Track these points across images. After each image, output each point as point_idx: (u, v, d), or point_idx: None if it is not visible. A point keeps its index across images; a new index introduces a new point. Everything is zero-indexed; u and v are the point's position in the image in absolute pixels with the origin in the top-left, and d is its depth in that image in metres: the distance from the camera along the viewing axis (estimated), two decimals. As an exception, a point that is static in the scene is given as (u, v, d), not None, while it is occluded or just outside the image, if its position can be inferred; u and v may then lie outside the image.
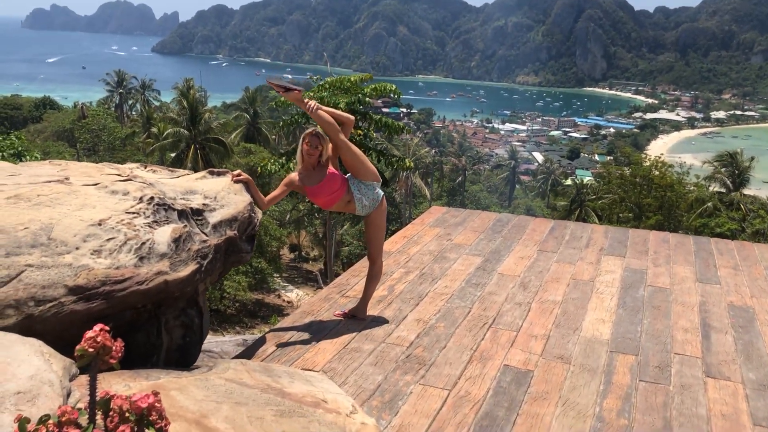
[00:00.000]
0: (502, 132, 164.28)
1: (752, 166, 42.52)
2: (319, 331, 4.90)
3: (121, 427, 2.08)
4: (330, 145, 4.75)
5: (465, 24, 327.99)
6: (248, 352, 4.61)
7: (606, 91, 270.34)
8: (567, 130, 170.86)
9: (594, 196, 45.90)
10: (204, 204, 4.27)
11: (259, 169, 11.50)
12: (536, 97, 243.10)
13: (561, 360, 4.56)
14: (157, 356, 4.11)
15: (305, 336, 4.82)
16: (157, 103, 73.15)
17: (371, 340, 4.78)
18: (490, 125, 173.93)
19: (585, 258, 6.58)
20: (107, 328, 2.21)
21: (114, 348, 2.19)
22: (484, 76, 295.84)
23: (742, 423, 3.88)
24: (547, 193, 69.15)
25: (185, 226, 3.93)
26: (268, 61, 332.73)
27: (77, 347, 2.17)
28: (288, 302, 39.35)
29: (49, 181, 4.07)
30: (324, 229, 37.07)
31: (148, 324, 3.93)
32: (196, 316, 4.50)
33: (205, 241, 4.03)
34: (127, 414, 2.12)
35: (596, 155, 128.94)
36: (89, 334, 2.18)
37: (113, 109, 67.66)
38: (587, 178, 61.97)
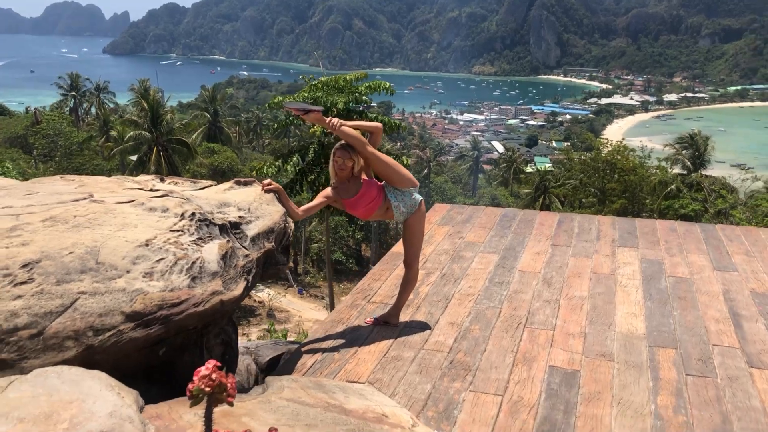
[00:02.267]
0: (461, 122, 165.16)
1: (711, 146, 43.46)
2: (354, 340, 4.79)
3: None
4: (360, 160, 4.64)
5: (420, 15, 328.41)
6: (288, 367, 4.48)
7: (561, 78, 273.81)
8: (524, 118, 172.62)
9: (557, 183, 46.41)
10: (240, 216, 4.11)
11: (254, 173, 11.35)
12: (493, 87, 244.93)
13: (604, 358, 4.53)
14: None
15: (341, 346, 4.70)
16: (112, 106, 71.60)
17: (409, 347, 4.68)
18: (449, 116, 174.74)
19: (600, 251, 6.58)
20: (219, 363, 2.07)
21: (229, 385, 2.06)
22: (440, 67, 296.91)
23: (797, 413, 3.89)
24: (510, 181, 69.71)
25: (228, 241, 3.78)
26: (223, 58, 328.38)
27: (191, 387, 2.03)
28: (259, 302, 38.98)
29: (78, 200, 3.87)
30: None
31: (193, 345, 3.77)
32: (233, 332, 4.35)
33: (247, 256, 3.88)
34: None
35: (554, 142, 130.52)
36: (203, 372, 2.04)
37: (68, 113, 65.95)
38: (546, 165, 62.68)
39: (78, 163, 46.83)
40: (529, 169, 65.95)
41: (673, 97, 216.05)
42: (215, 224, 3.80)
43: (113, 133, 49.40)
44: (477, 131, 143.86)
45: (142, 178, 4.73)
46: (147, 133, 40.47)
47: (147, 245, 3.38)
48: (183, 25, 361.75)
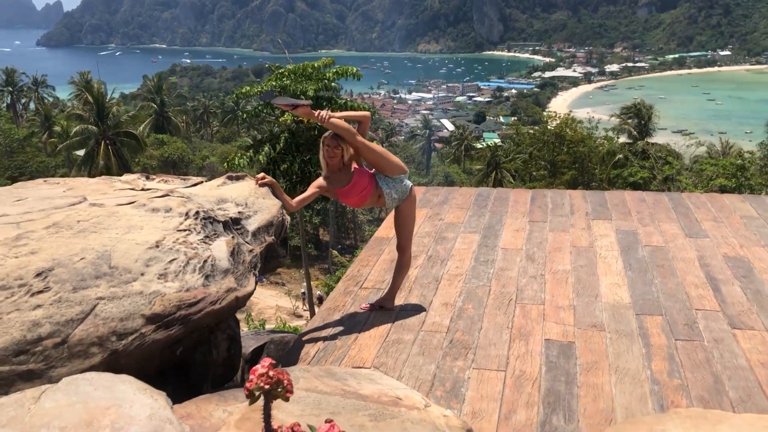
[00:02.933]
0: (410, 102, 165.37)
1: (656, 114, 44.50)
2: (352, 326, 4.86)
3: (314, 460, 2.03)
4: (350, 148, 4.69)
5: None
6: (292, 357, 4.53)
7: (505, 53, 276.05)
8: (471, 95, 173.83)
9: (507, 158, 47.02)
10: (239, 212, 4.13)
11: (226, 164, 11.20)
12: (439, 65, 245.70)
13: (596, 328, 4.71)
14: (213, 373, 3.99)
15: (341, 333, 4.77)
16: (52, 100, 69.46)
17: (408, 329, 4.78)
18: (398, 96, 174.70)
19: (576, 225, 6.77)
20: (273, 361, 2.12)
21: (286, 381, 2.11)
22: (386, 46, 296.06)
23: (782, 368, 4.14)
24: (462, 158, 70.30)
25: (233, 237, 3.80)
26: (164, 46, 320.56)
27: (250, 386, 2.08)
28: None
29: (74, 204, 3.84)
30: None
31: (204, 342, 3.80)
32: (236, 326, 4.38)
33: (251, 251, 3.91)
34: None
35: (501, 117, 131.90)
36: (260, 370, 2.09)
37: (5, 109, 63.65)
38: (495, 140, 63.36)
39: (21, 161, 45.36)
40: (479, 146, 66.63)
41: (614, 67, 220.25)
42: (219, 221, 3.82)
43: (57, 128, 47.99)
44: (426, 110, 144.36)
45: (129, 177, 4.69)
46: (93, 127, 39.41)
47: (157, 246, 3.38)
48: (120, 13, 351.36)
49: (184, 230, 3.55)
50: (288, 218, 4.51)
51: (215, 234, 3.70)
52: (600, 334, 4.63)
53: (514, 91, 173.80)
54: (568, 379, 4.11)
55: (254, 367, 2.13)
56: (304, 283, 36.12)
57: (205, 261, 3.42)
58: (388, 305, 5.07)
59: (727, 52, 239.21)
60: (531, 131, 45.78)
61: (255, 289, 3.64)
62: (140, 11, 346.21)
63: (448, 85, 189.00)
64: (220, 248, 3.58)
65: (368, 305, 5.12)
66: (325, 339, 4.71)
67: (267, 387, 2.07)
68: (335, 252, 42.15)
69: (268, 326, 18.93)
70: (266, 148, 9.74)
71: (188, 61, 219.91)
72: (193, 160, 51.75)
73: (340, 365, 4.35)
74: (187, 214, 3.69)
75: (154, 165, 47.13)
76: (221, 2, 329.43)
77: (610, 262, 5.84)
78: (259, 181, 4.50)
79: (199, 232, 3.60)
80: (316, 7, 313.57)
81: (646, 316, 4.86)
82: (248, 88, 10.48)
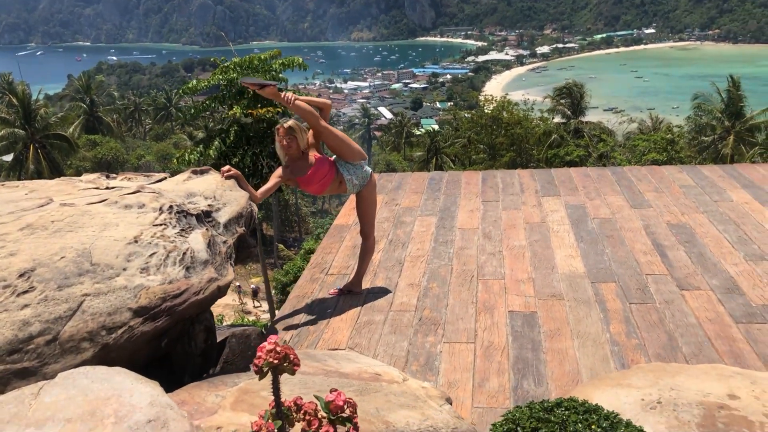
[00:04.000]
0: (346, 91, 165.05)
1: (588, 94, 45.65)
2: (322, 311, 4.99)
3: (325, 427, 2.16)
4: (309, 132, 4.78)
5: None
6: (267, 344, 4.62)
7: (438, 39, 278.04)
8: (407, 81, 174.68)
9: (447, 143, 47.59)
10: (209, 205, 4.18)
11: (175, 161, 11.06)
12: (373, 53, 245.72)
13: (555, 298, 4.97)
14: (192, 364, 4.06)
15: (312, 318, 4.89)
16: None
17: (378, 310, 4.93)
18: (333, 85, 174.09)
19: (527, 202, 7.04)
20: (278, 337, 2.24)
21: (292, 355, 2.23)
22: (318, 36, 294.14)
23: (727, 323, 4.47)
24: (402, 145, 70.68)
25: (207, 229, 3.87)
26: (89, 44, 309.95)
27: (259, 362, 2.20)
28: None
29: (43, 205, 3.84)
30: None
31: (185, 334, 3.87)
32: (211, 317, 4.45)
33: (225, 242, 3.98)
34: (320, 415, 2.20)
35: (438, 103, 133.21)
36: (267, 347, 2.21)
37: None
38: (433, 126, 63.92)
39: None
40: (418, 132, 67.13)
41: (545, 49, 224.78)
42: (191, 214, 3.88)
43: (-20, 133, 46.07)
44: (362, 98, 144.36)
45: (90, 177, 4.68)
46: (20, 131, 38.04)
47: (136, 242, 3.43)
48: (38, 11, 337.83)
49: (160, 225, 3.61)
50: (255, 209, 4.59)
51: (190, 227, 3.76)
52: (560, 303, 4.88)
53: (449, 76, 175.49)
54: (534, 347, 4.34)
55: (261, 345, 2.25)
56: (252, 279, 35.79)
57: (185, 253, 3.49)
58: (356, 289, 5.21)
59: (652, 30, 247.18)
60: (468, 115, 46.43)
61: (234, 278, 3.73)
62: (60, 8, 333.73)
63: (384, 72, 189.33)
64: (197, 240, 3.65)
65: (336, 290, 5.25)
66: (297, 325, 4.82)
67: (276, 362, 2.19)
68: (281, 246, 41.95)
69: (225, 323, 18.81)
70: (216, 142, 9.72)
71: (115, 58, 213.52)
72: (128, 159, 50.54)
73: (315, 348, 4.47)
74: (161, 208, 3.74)
75: (88, 167, 45.87)
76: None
77: (563, 236, 6.12)
78: (225, 174, 4.56)
79: (175, 226, 3.66)
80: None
81: (601, 284, 5.15)
82: (194, 83, 10.39)
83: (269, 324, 12.96)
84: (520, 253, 5.78)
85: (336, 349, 4.41)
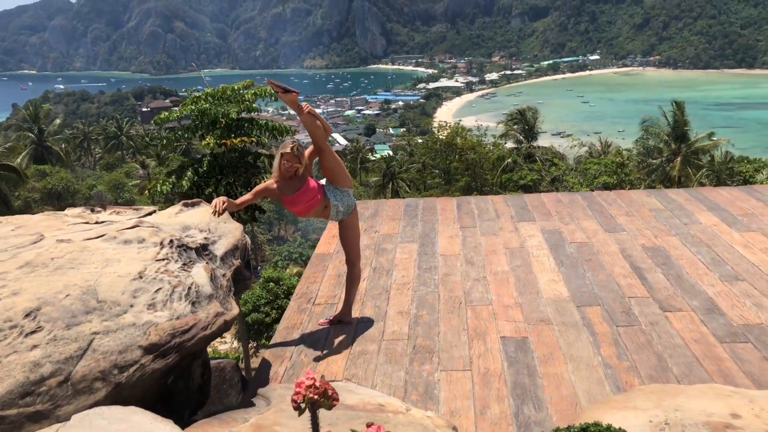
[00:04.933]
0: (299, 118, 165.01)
1: (540, 119, 46.65)
2: (315, 342, 4.96)
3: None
4: (306, 160, 4.78)
5: (244, 13, 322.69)
6: (262, 378, 4.57)
7: (389, 66, 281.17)
8: (360, 108, 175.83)
9: (402, 168, 47.95)
10: (205, 238, 4.16)
11: (147, 192, 10.82)
12: (326, 80, 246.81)
13: (543, 322, 5.05)
14: (190, 399, 3.99)
15: (305, 350, 4.86)
16: None
17: (370, 340, 4.94)
18: (286, 112, 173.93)
19: (504, 228, 7.16)
20: (315, 373, 2.24)
21: (330, 391, 2.24)
22: (271, 64, 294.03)
23: (712, 343, 4.62)
24: (358, 171, 70.87)
25: (207, 263, 3.84)
26: (35, 72, 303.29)
27: (297, 398, 2.19)
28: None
29: (36, 242, 3.76)
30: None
31: (186, 369, 3.81)
32: (206, 352, 4.39)
33: (224, 275, 3.96)
34: (361, 450, 2.21)
35: (391, 129, 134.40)
36: (306, 382, 2.21)
37: None
38: (387, 152, 64.36)
39: None
40: (373, 158, 67.49)
41: (494, 76, 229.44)
42: (191, 248, 3.85)
43: (-77, 165, 44.48)
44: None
45: (75, 211, 4.60)
46: (-34, 163, 36.88)
47: (141, 277, 3.39)
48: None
49: (163, 259, 3.57)
50: (249, 240, 4.57)
51: (191, 261, 3.73)
52: (549, 328, 4.97)
53: (401, 102, 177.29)
54: (529, 372, 4.40)
55: (299, 380, 2.25)
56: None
57: (189, 288, 3.46)
58: (346, 319, 5.20)
59: (596, 57, 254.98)
60: (420, 140, 46.92)
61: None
62: (4, 36, 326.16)
63: (337, 99, 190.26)
64: (199, 274, 3.62)
65: (326, 320, 5.24)
66: (290, 357, 4.78)
67: (316, 397, 2.19)
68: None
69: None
70: (189, 173, 9.61)
71: (62, 87, 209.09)
72: (79, 189, 49.40)
73: (311, 380, 4.44)
74: (161, 243, 3.70)
75: (37, 198, 44.72)
76: (94, 25, 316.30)
77: (543, 260, 6.23)
78: (215, 209, 4.51)
79: (177, 261, 3.63)
80: (196, 26, 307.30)
81: (586, 307, 5.26)
82: (166, 114, 10.29)
83: (241, 357, 12.71)
84: (504, 279, 5.87)
85: (333, 381, 4.38)
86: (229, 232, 4.33)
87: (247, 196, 4.89)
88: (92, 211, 4.67)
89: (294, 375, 4.54)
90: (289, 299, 13.78)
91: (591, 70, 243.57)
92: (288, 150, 4.64)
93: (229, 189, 9.77)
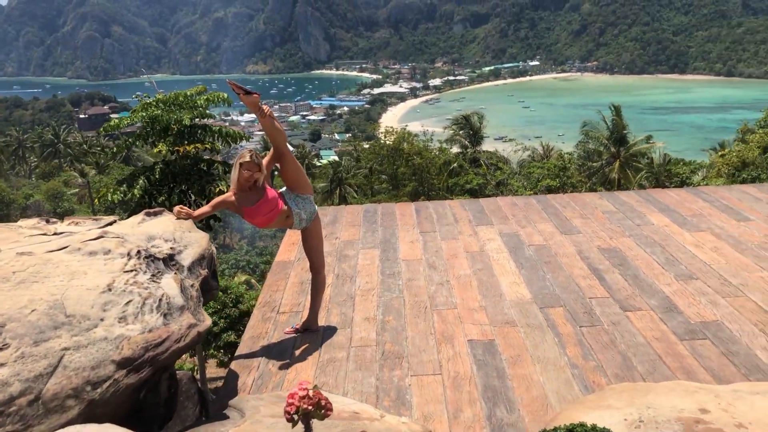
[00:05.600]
0: (243, 123, 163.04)
1: (484, 124, 47.29)
2: (281, 351, 4.90)
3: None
4: (264, 160, 4.71)
5: (184, 18, 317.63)
6: (229, 388, 4.49)
7: (334, 72, 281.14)
8: (305, 113, 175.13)
9: (349, 174, 47.96)
10: (171, 248, 4.06)
11: (97, 201, 10.45)
12: (269, 85, 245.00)
13: (509, 325, 5.11)
14: (158, 414, 3.89)
15: (273, 360, 4.79)
16: None
17: (338, 347, 4.90)
18: (230, 118, 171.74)
19: (463, 232, 7.22)
20: (309, 383, 2.21)
21: (323, 401, 2.21)
22: (212, 69, 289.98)
23: (673, 341, 4.75)
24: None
25: (176, 273, 3.75)
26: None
27: (291, 409, 2.16)
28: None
29: (-6, 255, 3.60)
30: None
31: (156, 383, 3.71)
32: (173, 366, 4.29)
33: (192, 285, 3.87)
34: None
35: (336, 134, 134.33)
36: (299, 393, 2.18)
37: None
38: (332, 158, 64.34)
39: None
40: (319, 164, 67.25)
41: (437, 81, 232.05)
42: (158, 258, 3.75)
43: None
44: (260, 131, 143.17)
45: (32, 222, 4.43)
46: None
47: (110, 290, 3.28)
48: None
49: (131, 270, 3.47)
50: (214, 249, 4.48)
51: (159, 272, 3.64)
52: (515, 330, 5.03)
53: (346, 108, 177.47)
54: (499, 374, 4.44)
55: (292, 392, 2.21)
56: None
57: (160, 299, 3.37)
58: (312, 326, 5.15)
59: (536, 62, 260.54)
60: (366, 145, 47.02)
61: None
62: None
63: (281, 104, 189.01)
64: (170, 285, 3.53)
65: (292, 329, 5.17)
66: (258, 367, 4.71)
67: (310, 408, 2.16)
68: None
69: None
70: (141, 181, 9.34)
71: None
72: (14, 199, 47.69)
73: (281, 390, 4.38)
74: (128, 254, 3.60)
75: (-31, 208, 43.02)
76: (27, 29, 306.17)
77: (504, 263, 6.31)
78: (180, 215, 4.42)
79: (146, 272, 3.53)
80: (135, 31, 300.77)
81: (549, 309, 5.34)
82: (116, 121, 9.99)
83: (195, 368, 12.43)
84: (467, 282, 5.92)
85: (303, 389, 4.33)
86: (195, 242, 4.24)
87: (205, 208, 4.79)
88: (48, 222, 4.50)
89: (263, 385, 4.47)
90: (238, 308, 13.66)
91: (531, 75, 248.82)
92: (247, 158, 4.55)
93: (182, 197, 9.57)
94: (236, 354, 5.04)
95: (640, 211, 7.60)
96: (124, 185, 9.48)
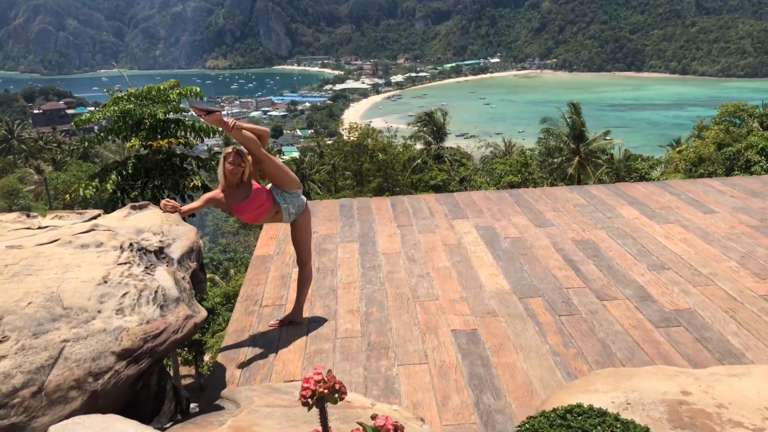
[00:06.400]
0: (203, 120, 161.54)
1: (448, 121, 47.58)
2: (268, 343, 4.92)
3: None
4: (251, 160, 4.76)
5: (141, 12, 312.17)
6: (218, 380, 4.50)
7: (295, 67, 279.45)
8: (266, 109, 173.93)
9: (312, 170, 47.86)
10: (160, 241, 4.05)
11: (67, 196, 10.28)
12: (230, 80, 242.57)
13: (490, 315, 5.22)
14: (148, 406, 3.89)
15: (259, 352, 4.82)
16: None
17: (324, 339, 4.95)
18: (189, 113, 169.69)
19: (440, 225, 7.32)
20: (323, 367, 2.25)
21: (338, 385, 2.26)
22: (171, 64, 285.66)
23: (649, 328, 4.92)
24: (268, 173, 69.90)
25: (168, 265, 3.75)
26: None
27: (307, 393, 2.20)
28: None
29: (-18, 248, 3.56)
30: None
31: (150, 375, 3.71)
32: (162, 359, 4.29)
33: (184, 278, 3.88)
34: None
35: (298, 130, 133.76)
36: (315, 377, 2.22)
37: None
38: (294, 154, 64.20)
39: None
40: (282, 160, 66.93)
41: (399, 78, 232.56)
42: (150, 251, 3.75)
43: None
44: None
45: (13, 215, 4.38)
46: None
47: (105, 282, 3.28)
48: None
49: (125, 263, 3.47)
50: (201, 243, 4.49)
51: (152, 264, 3.64)
52: (496, 319, 5.14)
53: (307, 104, 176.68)
54: (483, 362, 4.54)
55: (307, 376, 2.26)
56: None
57: (156, 291, 3.38)
58: (297, 319, 5.19)
59: (497, 60, 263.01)
60: (330, 141, 46.96)
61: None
62: None
63: (241, 100, 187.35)
64: (164, 277, 3.53)
65: (277, 321, 5.20)
66: (245, 360, 4.73)
67: (326, 392, 2.21)
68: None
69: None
70: (113, 176, 9.21)
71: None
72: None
73: (270, 382, 4.42)
74: (121, 247, 3.59)
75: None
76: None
77: (481, 255, 6.43)
78: (166, 209, 4.42)
79: (139, 264, 3.53)
80: (90, 24, 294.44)
81: (528, 299, 5.47)
82: (88, 115, 9.83)
83: (169, 364, 12.34)
84: (447, 274, 6.01)
85: (293, 381, 4.37)
86: (183, 234, 4.24)
87: (194, 204, 4.82)
88: (28, 216, 4.45)
89: (251, 377, 4.49)
90: (203, 304, 13.57)
91: (492, 72, 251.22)
92: (229, 150, 4.62)
93: (156, 192, 9.48)
94: (222, 346, 5.06)
95: (610, 204, 7.80)
96: (96, 180, 9.34)
